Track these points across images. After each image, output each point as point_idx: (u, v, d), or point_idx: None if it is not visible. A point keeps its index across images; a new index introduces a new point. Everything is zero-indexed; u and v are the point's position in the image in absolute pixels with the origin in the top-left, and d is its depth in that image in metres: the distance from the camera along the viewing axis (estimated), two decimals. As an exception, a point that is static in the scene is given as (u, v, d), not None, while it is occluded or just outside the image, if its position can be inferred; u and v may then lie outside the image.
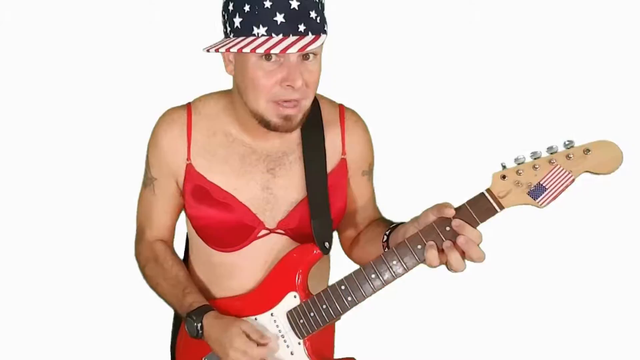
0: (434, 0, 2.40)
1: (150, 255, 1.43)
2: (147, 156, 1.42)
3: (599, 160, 1.13)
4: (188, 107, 1.38)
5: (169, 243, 1.48)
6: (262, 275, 1.35)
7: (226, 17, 1.21)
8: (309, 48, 1.14)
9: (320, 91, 1.32)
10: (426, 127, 2.32)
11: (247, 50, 1.15)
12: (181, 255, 1.51)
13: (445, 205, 1.18)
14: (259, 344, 1.26)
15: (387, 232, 1.31)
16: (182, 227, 1.49)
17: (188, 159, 1.34)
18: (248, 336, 1.26)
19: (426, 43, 2.37)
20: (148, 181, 1.42)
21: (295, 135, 1.36)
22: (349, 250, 1.50)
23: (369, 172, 1.47)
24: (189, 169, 1.34)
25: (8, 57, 2.41)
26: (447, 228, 1.18)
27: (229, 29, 1.21)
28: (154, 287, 1.42)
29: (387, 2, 2.38)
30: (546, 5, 2.37)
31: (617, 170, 1.12)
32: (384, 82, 2.31)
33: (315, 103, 1.37)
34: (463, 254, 1.16)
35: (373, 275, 1.23)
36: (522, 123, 2.24)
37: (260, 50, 1.13)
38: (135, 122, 1.71)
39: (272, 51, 1.13)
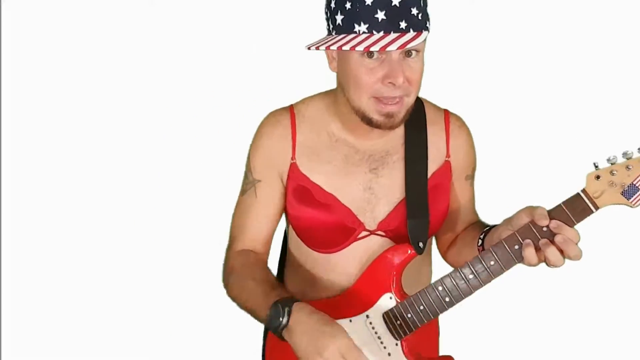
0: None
1: (238, 262, 1.39)
2: (249, 160, 1.43)
3: (691, 160, 1.18)
4: (291, 109, 1.42)
5: (262, 255, 1.43)
6: (357, 276, 1.38)
7: (328, 14, 1.26)
8: (409, 45, 1.16)
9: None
10: (514, 130, 2.37)
11: (346, 48, 1.18)
12: (277, 253, 1.54)
13: (540, 214, 1.21)
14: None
15: (482, 236, 1.35)
16: (279, 228, 1.50)
17: (293, 158, 1.38)
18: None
19: (509, 43, 2.42)
20: (249, 186, 1.43)
21: (399, 134, 1.39)
22: (445, 253, 1.54)
23: (471, 177, 1.50)
24: (293, 168, 1.37)
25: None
26: (544, 228, 1.23)
27: (331, 26, 1.25)
28: (238, 292, 1.34)
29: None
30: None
31: None
32: (470, 82, 2.36)
33: (420, 104, 1.41)
34: (561, 252, 1.20)
35: (471, 276, 1.27)
36: (605, 122, 2.29)
37: (360, 48, 1.17)
38: (236, 124, 1.81)
39: (372, 49, 1.16)
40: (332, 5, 1.23)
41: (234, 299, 1.37)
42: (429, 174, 1.40)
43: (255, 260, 1.40)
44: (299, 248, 1.44)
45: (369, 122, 1.27)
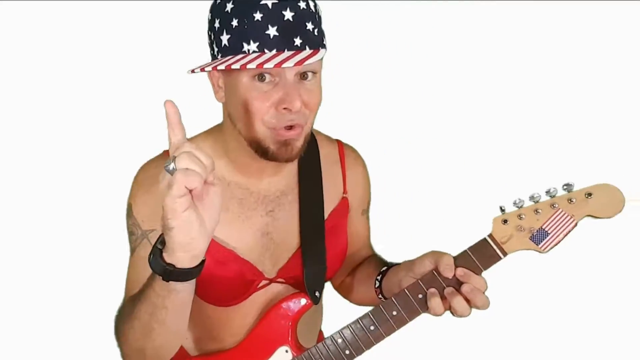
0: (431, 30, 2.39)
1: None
2: (132, 217, 1.22)
3: (601, 203, 1.12)
4: (166, 155, 1.22)
5: None
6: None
7: (212, 36, 1.10)
8: (307, 62, 1.01)
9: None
10: (416, 165, 2.32)
11: (236, 66, 1.01)
12: None
13: (446, 265, 1.13)
14: None
15: (379, 277, 1.27)
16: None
17: None
18: None
19: (417, 73, 2.36)
20: (139, 240, 1.21)
21: (293, 172, 1.27)
22: (338, 287, 1.46)
23: (367, 211, 1.41)
24: None
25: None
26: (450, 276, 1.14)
27: (216, 49, 1.09)
28: (130, 323, 1.07)
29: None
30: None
31: (619, 213, 1.12)
32: (372, 112, 2.30)
33: (312, 138, 1.29)
34: (467, 301, 1.12)
35: (372, 327, 1.17)
36: (513, 163, 2.26)
37: (252, 65, 1.00)
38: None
39: (266, 66, 1.00)
40: (217, 25, 1.07)
41: (132, 338, 1.08)
42: (326, 214, 1.28)
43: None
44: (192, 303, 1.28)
45: (264, 153, 1.12)
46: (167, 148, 1.16)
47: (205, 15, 1.13)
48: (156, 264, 0.93)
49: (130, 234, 1.23)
